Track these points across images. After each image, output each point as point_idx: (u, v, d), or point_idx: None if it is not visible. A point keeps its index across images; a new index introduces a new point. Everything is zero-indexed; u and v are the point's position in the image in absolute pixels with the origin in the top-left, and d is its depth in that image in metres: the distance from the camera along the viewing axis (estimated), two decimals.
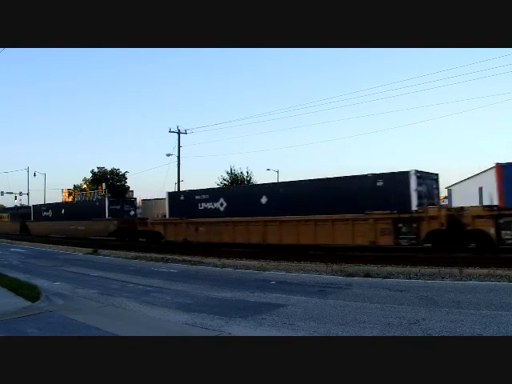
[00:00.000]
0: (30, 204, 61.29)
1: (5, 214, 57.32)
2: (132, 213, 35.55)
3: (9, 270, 16.40)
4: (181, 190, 31.27)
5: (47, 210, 44.98)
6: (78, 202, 43.35)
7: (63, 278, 15.08)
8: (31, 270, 18.04)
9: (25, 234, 46.63)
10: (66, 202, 45.95)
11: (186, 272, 16.50)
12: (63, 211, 41.55)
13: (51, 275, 16.03)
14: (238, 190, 25.47)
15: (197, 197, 26.81)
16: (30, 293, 10.56)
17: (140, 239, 31.22)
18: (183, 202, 27.83)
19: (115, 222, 33.06)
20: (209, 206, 26.11)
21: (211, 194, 26.50)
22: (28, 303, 9.75)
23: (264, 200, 23.23)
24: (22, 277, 14.11)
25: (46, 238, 40.46)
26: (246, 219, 23.32)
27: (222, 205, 25.46)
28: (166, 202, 29.16)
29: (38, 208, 48.35)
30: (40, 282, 13.06)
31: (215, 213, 25.42)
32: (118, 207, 35.16)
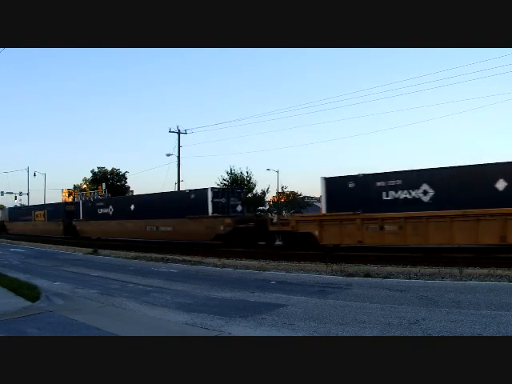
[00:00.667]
0: (31, 202, 61.16)
1: (40, 212, 44.71)
2: (239, 208, 26.90)
3: (9, 270, 16.41)
4: (349, 174, 20.53)
5: (106, 206, 34.17)
6: (156, 194, 30.64)
7: (63, 278, 15.08)
8: (31, 269, 18.04)
9: (70, 238, 36.49)
10: (138, 196, 33.06)
11: (186, 272, 16.50)
12: (133, 207, 30.91)
13: (51, 275, 16.03)
14: (452, 172, 17.74)
15: (379, 183, 19.18)
16: (30, 293, 10.56)
17: (259, 243, 23.94)
18: (354, 191, 19.81)
19: (228, 221, 23.86)
20: (402, 195, 18.66)
21: (406, 178, 18.77)
22: (28, 303, 9.75)
23: (501, 185, 16.50)
24: (22, 277, 14.11)
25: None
26: (472, 212, 16.54)
27: (425, 193, 18.10)
28: (322, 191, 20.99)
29: (90, 204, 37.58)
30: (40, 282, 13.06)
31: (414, 204, 18.25)
32: (223, 201, 25.79)
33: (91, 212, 35.64)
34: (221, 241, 24.76)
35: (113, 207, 33.50)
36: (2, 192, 64.44)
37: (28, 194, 65.35)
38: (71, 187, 74.08)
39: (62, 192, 76.93)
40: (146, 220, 28.90)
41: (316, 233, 20.30)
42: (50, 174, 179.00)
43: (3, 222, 54.21)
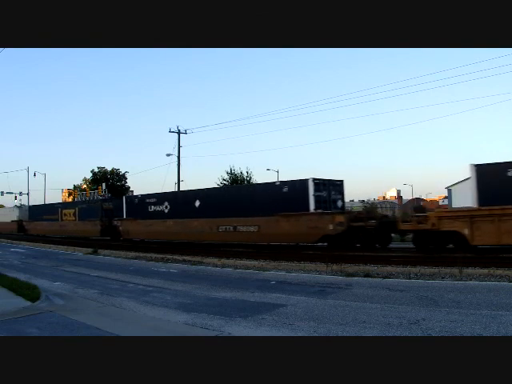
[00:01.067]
0: (31, 202, 60.80)
1: (70, 210, 39.20)
2: (339, 203, 21.99)
3: (9, 270, 16.41)
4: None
5: (159, 203, 28.37)
6: (231, 188, 24.86)
7: (63, 278, 15.09)
8: (31, 269, 18.05)
9: (110, 240, 31.86)
10: (206, 189, 27.16)
11: (186, 272, 16.50)
12: (198, 203, 25.41)
13: (51, 275, 16.04)
14: None
15: None
16: (30, 293, 10.58)
17: (381, 245, 19.33)
18: None
19: (340, 218, 19.38)
20: None
21: None
22: (28, 303, 9.76)
23: None
24: (22, 277, 14.13)
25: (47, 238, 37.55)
26: None
27: None
28: (472, 181, 17.44)
29: (137, 200, 30.92)
30: (40, 282, 13.07)
31: None
32: (325, 194, 20.82)
33: (139, 210, 29.72)
34: (327, 242, 20.46)
35: (169, 204, 27.76)
36: (2, 192, 64.28)
37: (28, 193, 65.33)
38: (71, 187, 74.05)
39: (62, 192, 76.94)
40: (217, 219, 23.74)
41: (465, 231, 16.45)
42: (50, 173, 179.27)
43: (22, 221, 48.35)
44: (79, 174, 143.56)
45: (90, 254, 25.71)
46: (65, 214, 39.94)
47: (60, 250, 29.92)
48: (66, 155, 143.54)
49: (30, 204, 56.08)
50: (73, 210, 38.89)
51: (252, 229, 22.29)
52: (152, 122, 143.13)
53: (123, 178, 66.56)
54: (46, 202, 53.34)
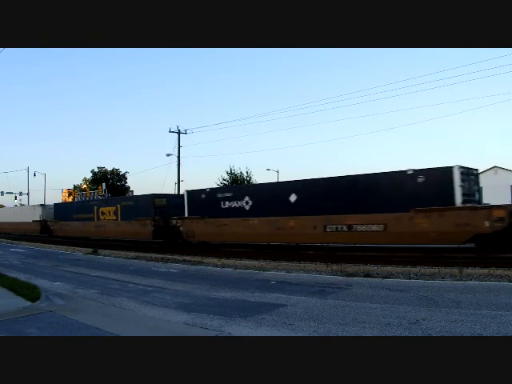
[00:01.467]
0: (31, 202, 60.56)
1: (110, 208, 32.75)
2: (477, 196, 18.48)
3: (9, 270, 16.42)
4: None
5: (237, 198, 23.34)
6: (341, 178, 20.19)
7: (63, 278, 15.09)
8: (31, 269, 18.05)
9: (165, 243, 27.47)
10: (305, 181, 21.48)
11: (186, 272, 16.51)
12: (294, 198, 20.75)
13: (51, 275, 16.04)
14: None
15: None
16: (30, 293, 10.59)
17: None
18: None
19: (500, 213, 15.77)
20: None
21: None
22: (28, 303, 9.77)
23: None
24: (22, 277, 14.13)
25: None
26: None
27: None
28: None
29: (204, 195, 25.26)
30: (40, 282, 13.07)
31: None
32: (467, 185, 17.55)
33: (207, 206, 24.59)
34: (475, 242, 16.77)
35: (251, 199, 22.76)
36: (2, 192, 64.39)
37: (28, 193, 65.39)
38: (71, 187, 74.14)
39: (62, 192, 77.00)
40: (324, 216, 19.55)
41: None
42: (50, 173, 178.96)
43: (46, 222, 41.66)
44: (79, 174, 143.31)
45: (90, 253, 25.72)
46: (102, 213, 33.35)
47: (60, 249, 29.93)
48: (66, 155, 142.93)
49: (56, 202, 47.47)
50: (113, 208, 32.17)
51: (375, 228, 18.21)
52: (152, 121, 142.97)
53: (123, 178, 66.71)
54: (47, 203, 52.67)
